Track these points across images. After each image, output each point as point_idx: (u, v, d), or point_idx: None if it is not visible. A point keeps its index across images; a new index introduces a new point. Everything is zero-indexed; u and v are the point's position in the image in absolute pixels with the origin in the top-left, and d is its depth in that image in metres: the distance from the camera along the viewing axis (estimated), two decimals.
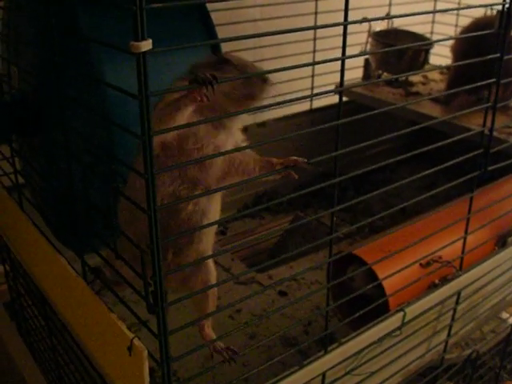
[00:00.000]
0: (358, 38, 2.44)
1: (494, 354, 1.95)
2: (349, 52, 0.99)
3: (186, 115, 0.94)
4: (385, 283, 1.29)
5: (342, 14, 0.94)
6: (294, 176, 1.06)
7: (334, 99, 2.42)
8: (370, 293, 1.35)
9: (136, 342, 0.90)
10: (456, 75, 2.34)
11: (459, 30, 2.66)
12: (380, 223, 2.22)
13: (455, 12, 2.77)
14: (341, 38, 0.96)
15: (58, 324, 1.36)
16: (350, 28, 0.96)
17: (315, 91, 2.38)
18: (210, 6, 1.50)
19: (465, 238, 1.38)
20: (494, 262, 1.49)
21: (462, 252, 1.39)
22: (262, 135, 2.25)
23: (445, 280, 1.38)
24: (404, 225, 1.47)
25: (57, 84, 0.99)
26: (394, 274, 1.26)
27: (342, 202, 1.07)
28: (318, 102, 2.43)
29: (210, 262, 1.17)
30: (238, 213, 2.19)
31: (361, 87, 2.48)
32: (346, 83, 1.02)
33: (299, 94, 1.06)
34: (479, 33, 1.23)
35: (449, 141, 1.20)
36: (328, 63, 0.98)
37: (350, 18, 0.94)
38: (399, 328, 1.27)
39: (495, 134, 1.37)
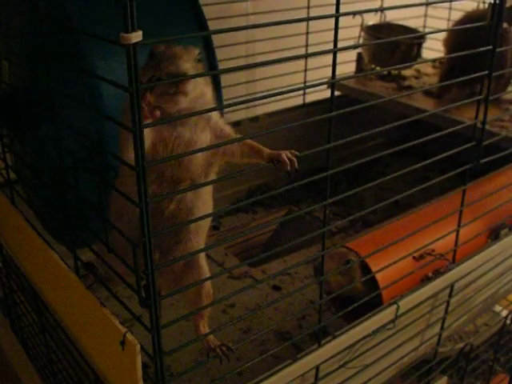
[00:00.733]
0: (351, 33, 2.43)
1: (488, 346, 1.96)
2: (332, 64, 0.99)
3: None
4: (378, 276, 1.29)
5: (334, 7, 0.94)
6: (286, 167, 1.03)
7: (327, 94, 2.42)
8: (364, 286, 1.35)
9: (129, 336, 0.89)
10: (449, 69, 2.34)
11: (452, 24, 2.66)
12: (373, 217, 2.22)
13: (447, 5, 2.77)
14: (333, 32, 0.95)
15: (51, 320, 1.36)
16: (343, 22, 0.96)
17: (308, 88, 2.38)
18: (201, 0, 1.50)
19: (457, 231, 1.38)
20: (486, 254, 1.49)
21: (455, 245, 1.39)
22: (255, 130, 2.24)
23: (438, 273, 1.38)
24: (397, 218, 1.47)
25: (47, 78, 0.98)
26: (387, 267, 1.26)
27: (335, 196, 1.07)
28: (311, 97, 2.43)
29: (203, 263, 1.16)
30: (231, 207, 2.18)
31: (353, 82, 2.48)
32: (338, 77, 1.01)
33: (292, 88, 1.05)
34: (471, 25, 1.23)
35: (441, 133, 1.20)
36: (321, 58, 0.98)
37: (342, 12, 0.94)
38: (393, 321, 1.27)
39: (488, 127, 1.37)
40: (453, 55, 2.02)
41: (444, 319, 1.48)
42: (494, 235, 1.57)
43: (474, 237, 1.47)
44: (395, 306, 1.26)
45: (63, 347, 1.36)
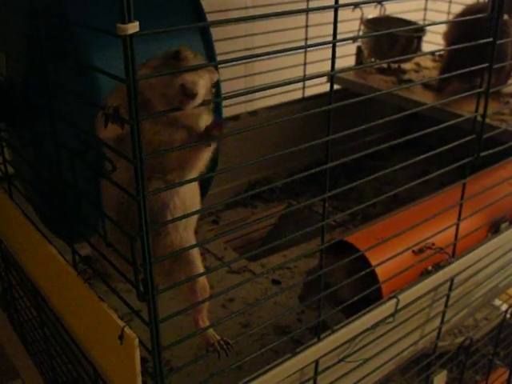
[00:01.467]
0: (351, 26, 2.42)
1: (487, 341, 1.96)
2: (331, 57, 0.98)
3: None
4: (378, 270, 1.29)
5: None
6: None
7: (326, 88, 2.41)
8: (363, 280, 1.34)
9: (127, 330, 0.89)
10: (449, 63, 2.33)
11: (452, 17, 2.65)
12: (373, 211, 2.22)
13: None
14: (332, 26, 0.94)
15: (50, 314, 1.36)
16: (342, 16, 0.95)
17: (307, 81, 2.37)
18: None
19: (457, 225, 1.37)
20: (486, 248, 1.49)
21: (455, 238, 1.39)
22: (254, 123, 2.23)
23: (438, 267, 1.38)
24: (397, 211, 1.47)
25: (44, 71, 0.98)
26: (386, 261, 1.25)
27: (334, 190, 1.06)
28: (310, 91, 2.42)
29: (193, 259, 1.14)
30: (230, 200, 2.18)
31: (353, 75, 2.47)
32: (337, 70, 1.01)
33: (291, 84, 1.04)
34: (471, 17, 1.22)
35: (441, 126, 1.19)
36: (320, 53, 0.97)
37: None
38: (392, 315, 1.27)
39: (488, 120, 1.36)
40: (453, 47, 2.01)
41: (444, 313, 1.48)
42: (495, 229, 1.57)
43: (474, 230, 1.47)
44: (395, 300, 1.25)
45: (62, 342, 1.35)
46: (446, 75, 1.36)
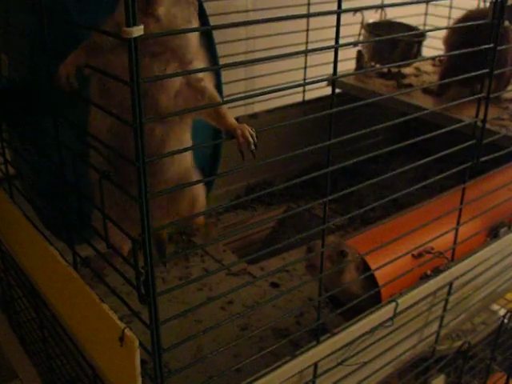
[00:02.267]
0: (351, 30, 2.43)
1: (485, 345, 1.96)
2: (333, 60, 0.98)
3: None
4: (377, 274, 1.29)
5: (336, 5, 0.93)
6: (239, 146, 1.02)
7: (327, 91, 2.42)
8: (362, 283, 1.35)
9: (127, 332, 0.89)
10: (449, 67, 2.33)
11: (452, 22, 2.66)
12: (372, 215, 2.22)
13: (448, 4, 2.77)
14: (333, 30, 0.95)
15: (49, 315, 1.36)
16: (343, 20, 0.95)
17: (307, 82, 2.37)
18: None
19: (457, 229, 1.38)
20: (485, 253, 1.49)
21: (454, 243, 1.39)
22: (254, 127, 2.23)
23: (437, 271, 1.38)
24: (396, 215, 1.47)
25: (47, 72, 0.98)
26: (386, 265, 1.26)
27: (334, 194, 1.07)
28: (311, 94, 2.43)
29: (193, 173, 1.15)
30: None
31: (353, 79, 2.48)
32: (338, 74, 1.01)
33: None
34: (472, 23, 1.22)
35: (441, 131, 1.20)
36: (320, 56, 0.97)
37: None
38: (391, 319, 1.27)
39: (487, 125, 1.37)
40: (454, 53, 2.02)
41: (442, 317, 1.48)
42: (494, 234, 1.57)
43: (473, 235, 1.47)
44: (394, 304, 1.25)
45: (61, 343, 1.35)
46: (447, 81, 1.37)
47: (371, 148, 1.12)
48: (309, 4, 2.34)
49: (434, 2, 2.85)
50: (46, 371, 1.54)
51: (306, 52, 1.82)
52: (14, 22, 1.31)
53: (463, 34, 2.24)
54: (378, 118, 1.13)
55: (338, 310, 1.23)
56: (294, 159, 2.34)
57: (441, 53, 2.48)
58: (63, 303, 1.20)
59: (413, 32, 2.53)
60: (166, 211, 1.15)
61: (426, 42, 2.53)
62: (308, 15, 0.95)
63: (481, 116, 1.31)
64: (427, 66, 2.70)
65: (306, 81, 2.40)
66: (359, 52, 2.55)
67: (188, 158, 1.15)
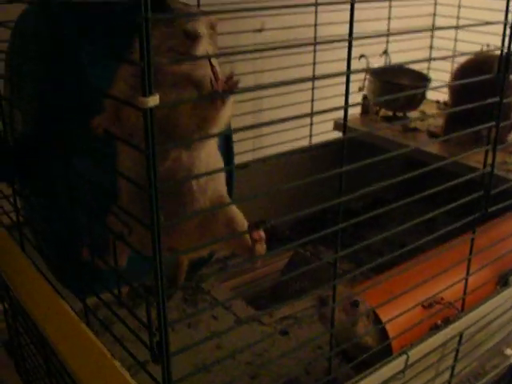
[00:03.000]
0: (356, 75, 2.47)
1: None
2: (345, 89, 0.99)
3: None
4: (388, 326, 1.29)
5: (342, 51, 0.94)
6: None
7: (333, 135, 2.45)
8: (373, 334, 1.35)
9: None
10: (454, 112, 2.35)
11: (456, 65, 2.69)
12: (380, 259, 2.21)
13: (451, 47, 2.82)
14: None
15: (57, 364, 1.35)
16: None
17: (314, 128, 2.40)
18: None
19: (466, 280, 1.38)
20: (495, 301, 1.48)
21: (464, 293, 1.39)
22: (262, 171, 2.26)
23: (447, 321, 1.37)
24: (405, 265, 1.47)
25: (60, 127, 1.00)
26: (397, 317, 1.25)
27: (341, 239, 1.07)
28: (317, 139, 2.45)
29: (235, 214, 1.14)
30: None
31: (359, 123, 2.50)
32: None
33: (298, 131, 1.06)
34: (476, 79, 1.24)
35: (450, 184, 1.21)
36: (326, 100, 0.98)
37: None
38: (402, 371, 1.26)
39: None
40: (459, 106, 2.03)
41: (453, 367, 1.47)
42: (503, 282, 1.57)
43: (483, 284, 1.47)
44: (405, 357, 1.25)
45: None
46: (451, 107, 1.38)
47: (378, 191, 1.13)
48: (315, 51, 2.37)
49: (437, 46, 2.91)
50: None
51: (315, 78, 1.84)
52: (26, 74, 1.33)
53: (468, 78, 2.27)
54: (385, 162, 1.14)
55: (349, 361, 1.23)
56: (300, 203, 2.37)
57: (445, 96, 2.51)
58: (72, 355, 1.19)
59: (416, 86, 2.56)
60: (199, 239, 1.14)
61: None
62: (314, 64, 0.96)
63: (488, 162, 1.31)
64: (432, 109, 2.73)
65: (313, 125, 2.43)
66: (365, 96, 2.58)
67: (220, 185, 1.13)
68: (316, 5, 2.18)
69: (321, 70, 2.35)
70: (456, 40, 2.79)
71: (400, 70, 2.65)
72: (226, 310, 1.87)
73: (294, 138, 2.25)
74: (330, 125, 2.43)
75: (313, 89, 2.40)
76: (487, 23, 1.24)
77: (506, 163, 2.15)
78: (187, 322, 1.81)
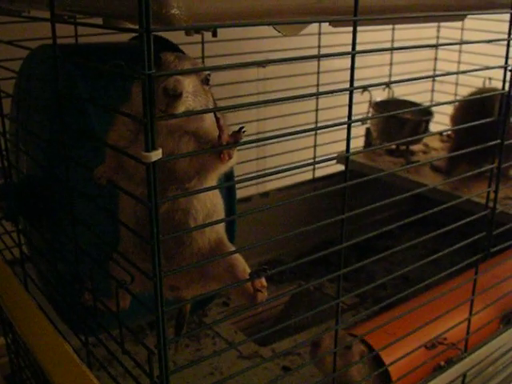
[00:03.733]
0: (359, 109, 2.49)
1: None
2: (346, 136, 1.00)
3: None
4: (391, 368, 1.28)
5: (344, 85, 0.96)
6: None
7: (336, 169, 2.46)
8: (374, 378, 1.34)
9: None
10: (456, 146, 2.37)
11: (458, 98, 2.72)
12: (383, 293, 2.22)
13: (454, 80, 2.84)
14: (341, 109, 0.96)
15: None
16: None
17: (317, 161, 2.42)
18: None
19: (469, 320, 1.37)
20: (499, 341, 1.48)
21: (467, 333, 1.38)
22: (264, 204, 2.27)
23: (450, 361, 1.37)
24: (407, 305, 1.47)
25: (65, 174, 1.01)
26: (400, 360, 1.25)
27: (345, 271, 1.07)
28: (321, 172, 2.46)
29: (229, 244, 1.14)
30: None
31: (362, 157, 2.51)
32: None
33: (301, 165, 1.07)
34: (479, 122, 1.25)
35: (454, 226, 1.21)
36: (329, 134, 0.98)
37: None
38: None
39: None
40: (462, 139, 2.06)
41: None
42: (506, 320, 1.56)
43: (486, 324, 1.46)
44: None
45: None
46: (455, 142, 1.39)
47: (381, 224, 1.13)
48: (318, 85, 2.40)
49: (439, 78, 2.93)
50: None
51: (315, 129, 1.84)
52: (32, 119, 1.35)
53: (470, 113, 2.29)
54: (388, 197, 1.14)
55: None
56: (303, 237, 2.38)
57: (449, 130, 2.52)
58: None
59: (416, 106, 2.57)
60: (200, 283, 1.14)
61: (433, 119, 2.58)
62: (317, 94, 0.97)
63: (492, 195, 1.32)
64: (435, 143, 2.74)
65: (316, 158, 2.44)
66: (368, 130, 2.59)
67: (218, 227, 1.12)
68: (319, 56, 2.22)
69: (323, 114, 2.38)
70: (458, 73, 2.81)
71: (403, 103, 2.67)
72: (229, 345, 1.87)
73: (298, 171, 2.26)
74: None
75: (316, 122, 2.43)
76: (488, 68, 1.25)
77: (510, 198, 2.16)
78: (190, 358, 1.80)
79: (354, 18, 0.88)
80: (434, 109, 2.63)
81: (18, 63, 1.40)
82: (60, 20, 0.96)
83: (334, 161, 2.39)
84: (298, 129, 0.95)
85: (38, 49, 1.30)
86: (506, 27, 1.19)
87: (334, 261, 2.27)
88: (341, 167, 2.42)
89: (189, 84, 0.87)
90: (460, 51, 2.81)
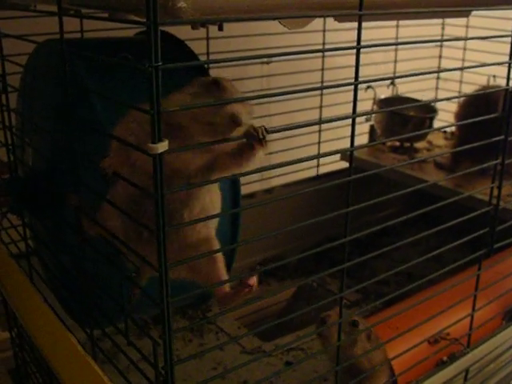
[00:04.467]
0: (364, 106, 2.49)
1: None
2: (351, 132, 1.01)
3: None
4: (394, 362, 1.29)
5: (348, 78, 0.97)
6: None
7: (339, 166, 2.46)
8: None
9: None
10: (460, 143, 2.37)
11: (463, 95, 2.71)
12: (386, 289, 2.22)
13: (458, 78, 2.84)
14: (345, 106, 0.97)
15: None
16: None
17: (321, 158, 2.42)
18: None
19: (472, 316, 1.38)
20: (501, 337, 1.48)
21: (470, 329, 1.39)
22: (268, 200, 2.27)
23: (453, 357, 1.37)
24: (411, 301, 1.47)
25: (71, 168, 1.02)
26: (403, 354, 1.25)
27: (348, 267, 1.08)
28: (324, 169, 2.47)
29: (213, 239, 1.17)
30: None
31: (366, 154, 2.52)
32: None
33: (305, 162, 1.07)
34: (482, 118, 1.25)
35: (455, 222, 1.22)
36: (333, 131, 0.99)
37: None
38: None
39: (500, 203, 1.39)
40: (466, 136, 2.05)
41: None
42: (509, 316, 1.56)
43: (489, 320, 1.47)
44: None
45: None
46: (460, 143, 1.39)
47: (384, 220, 1.14)
48: (322, 82, 2.40)
49: (443, 76, 2.93)
50: None
51: (319, 123, 1.85)
52: (39, 113, 1.36)
53: (474, 109, 2.29)
54: (390, 191, 1.15)
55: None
56: (306, 233, 2.38)
57: (452, 127, 2.52)
58: None
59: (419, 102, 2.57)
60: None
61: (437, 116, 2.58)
62: (321, 87, 0.98)
63: (494, 192, 1.32)
64: (439, 140, 2.74)
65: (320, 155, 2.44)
66: (372, 127, 2.60)
67: (210, 222, 1.15)
68: (323, 51, 2.22)
69: (328, 111, 2.38)
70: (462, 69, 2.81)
71: (407, 101, 2.67)
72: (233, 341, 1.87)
73: (302, 167, 2.27)
74: (338, 155, 2.45)
75: (320, 118, 2.43)
76: (492, 64, 1.25)
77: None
78: (193, 353, 1.81)
79: (360, 12, 0.89)
80: (438, 106, 2.63)
81: (24, 58, 1.41)
82: (67, 13, 0.96)
83: (338, 158, 2.39)
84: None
85: (44, 43, 1.30)
86: (510, 25, 1.20)
87: (338, 258, 2.27)
88: (345, 164, 2.42)
89: (246, 116, 0.95)
90: (464, 49, 2.80)
